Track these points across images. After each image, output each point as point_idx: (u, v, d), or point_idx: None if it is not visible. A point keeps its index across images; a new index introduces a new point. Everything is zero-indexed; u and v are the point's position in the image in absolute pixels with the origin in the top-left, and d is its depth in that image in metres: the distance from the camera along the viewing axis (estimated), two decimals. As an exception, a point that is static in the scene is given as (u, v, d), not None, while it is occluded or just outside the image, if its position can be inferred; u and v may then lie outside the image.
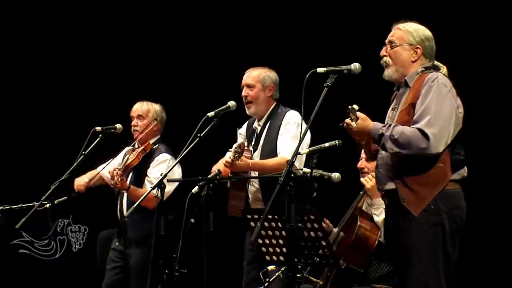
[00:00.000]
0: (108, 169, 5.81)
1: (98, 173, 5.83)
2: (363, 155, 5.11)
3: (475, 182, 4.32)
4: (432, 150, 3.94)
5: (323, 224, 5.14)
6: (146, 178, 5.80)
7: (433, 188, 3.99)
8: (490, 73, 6.33)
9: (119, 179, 5.55)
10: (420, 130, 3.93)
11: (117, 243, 5.84)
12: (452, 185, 4.03)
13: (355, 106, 4.04)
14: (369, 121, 4.08)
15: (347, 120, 4.05)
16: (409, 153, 3.96)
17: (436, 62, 4.19)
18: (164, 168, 5.63)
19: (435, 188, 3.99)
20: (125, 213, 5.74)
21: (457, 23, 6.33)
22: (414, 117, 3.99)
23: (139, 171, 5.82)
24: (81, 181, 5.79)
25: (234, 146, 5.17)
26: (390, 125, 4.03)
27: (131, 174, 5.86)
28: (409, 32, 4.15)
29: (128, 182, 5.79)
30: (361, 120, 4.05)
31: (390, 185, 4.09)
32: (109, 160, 5.89)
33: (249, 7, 7.18)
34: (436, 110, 3.95)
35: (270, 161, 5.20)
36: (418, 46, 4.14)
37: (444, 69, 4.19)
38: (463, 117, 4.07)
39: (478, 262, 6.20)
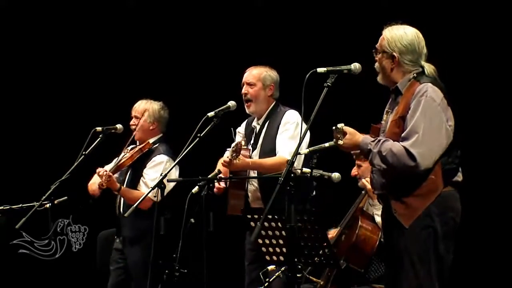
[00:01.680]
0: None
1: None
2: (357, 162, 5.16)
3: (471, 185, 4.31)
4: (420, 168, 3.91)
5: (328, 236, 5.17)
6: (142, 178, 5.78)
7: (424, 199, 3.97)
8: (484, 73, 6.33)
9: (106, 180, 5.52)
10: (406, 150, 3.90)
11: (117, 241, 5.84)
12: (445, 187, 4.01)
13: (340, 125, 4.04)
14: (358, 136, 4.07)
15: (334, 139, 4.06)
16: (396, 171, 3.95)
17: (423, 63, 4.10)
18: (160, 170, 5.63)
19: (427, 199, 3.97)
20: (121, 211, 5.74)
21: (458, 23, 6.33)
22: (403, 134, 3.97)
23: (136, 171, 5.81)
24: (94, 186, 5.72)
25: (232, 145, 5.16)
26: (379, 141, 4.01)
27: (128, 173, 5.85)
28: (386, 39, 4.10)
29: (126, 181, 5.79)
30: (349, 135, 4.05)
31: (383, 191, 4.10)
32: (114, 160, 5.89)
33: (249, 7, 7.18)
34: (425, 128, 3.91)
35: (269, 161, 5.20)
36: (394, 54, 4.07)
37: (426, 68, 4.08)
38: (453, 129, 4.02)
39: (475, 264, 6.19)
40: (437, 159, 3.95)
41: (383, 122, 4.20)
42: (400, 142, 3.95)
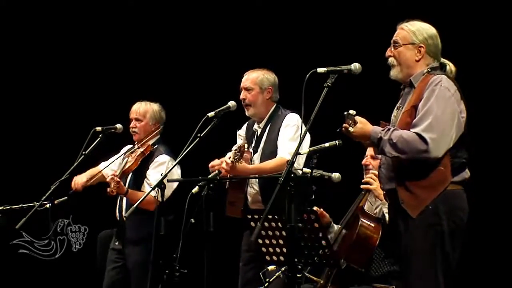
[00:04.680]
0: (110, 168, 5.81)
1: (100, 172, 5.83)
2: (368, 152, 5.09)
3: (479, 184, 4.31)
4: (431, 155, 3.92)
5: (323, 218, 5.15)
6: (145, 180, 5.79)
7: (432, 191, 3.98)
8: (494, 72, 6.31)
9: (116, 186, 5.53)
10: (418, 134, 3.92)
11: (116, 243, 5.85)
12: (453, 185, 4.02)
13: (352, 112, 4.04)
14: (369, 125, 4.07)
15: (345, 125, 4.05)
16: (407, 157, 3.96)
17: (442, 60, 4.17)
18: (163, 170, 5.62)
19: (435, 191, 3.98)
20: (124, 213, 5.75)
21: (462, 20, 6.32)
22: (414, 121, 3.98)
23: (138, 173, 5.82)
24: (79, 180, 5.75)
25: (234, 147, 5.16)
26: (389, 129, 4.02)
27: (130, 175, 5.86)
28: (411, 32, 4.14)
29: (127, 183, 5.80)
30: (360, 124, 4.05)
31: (391, 185, 4.10)
32: (111, 158, 5.89)
33: (249, 7, 7.18)
34: (437, 115, 3.93)
35: (269, 163, 5.21)
36: (421, 45, 4.12)
37: (449, 66, 4.17)
38: (465, 121, 4.04)
39: (481, 262, 6.19)
40: (448, 149, 3.96)
41: (393, 118, 4.20)
42: (411, 129, 3.96)
